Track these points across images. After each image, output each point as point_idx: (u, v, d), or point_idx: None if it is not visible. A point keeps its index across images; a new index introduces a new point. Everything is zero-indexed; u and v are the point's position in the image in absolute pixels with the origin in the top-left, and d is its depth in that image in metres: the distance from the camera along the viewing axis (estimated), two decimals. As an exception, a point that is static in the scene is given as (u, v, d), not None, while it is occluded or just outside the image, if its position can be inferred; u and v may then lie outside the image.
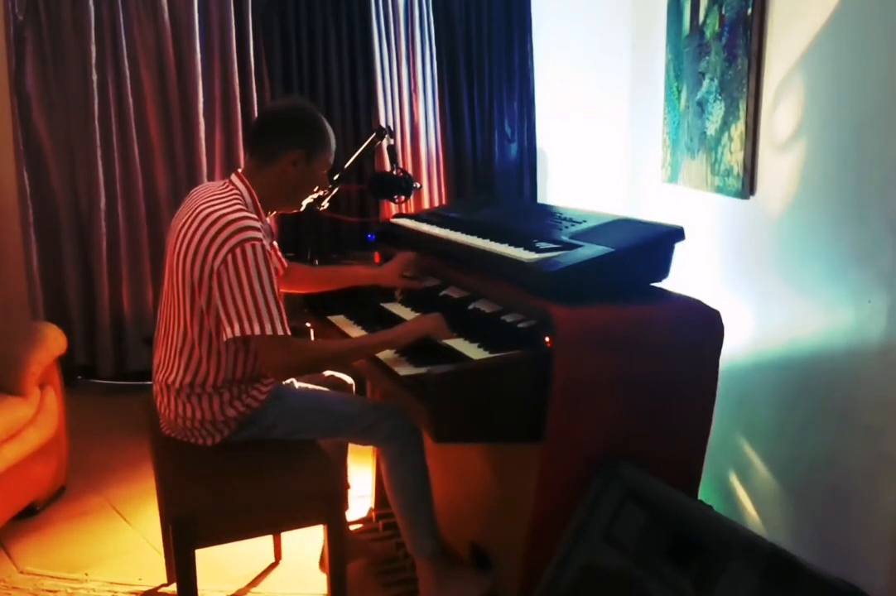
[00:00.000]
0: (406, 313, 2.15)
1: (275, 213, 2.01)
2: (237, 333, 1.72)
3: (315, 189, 1.99)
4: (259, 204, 1.88)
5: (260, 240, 1.74)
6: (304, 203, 2.02)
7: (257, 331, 1.71)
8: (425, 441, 1.96)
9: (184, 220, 1.82)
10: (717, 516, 1.50)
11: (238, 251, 1.71)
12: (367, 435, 1.97)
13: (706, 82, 2.61)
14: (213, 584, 2.20)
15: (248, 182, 1.88)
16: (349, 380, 2.28)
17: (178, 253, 1.80)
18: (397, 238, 2.44)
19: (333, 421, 1.99)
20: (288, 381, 2.01)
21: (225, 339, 1.75)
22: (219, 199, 1.80)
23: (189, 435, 1.91)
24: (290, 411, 1.95)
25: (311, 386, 2.07)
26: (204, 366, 1.84)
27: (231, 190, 1.86)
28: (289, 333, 1.75)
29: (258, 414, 1.91)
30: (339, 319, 2.28)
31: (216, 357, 1.84)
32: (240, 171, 1.92)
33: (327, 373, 2.24)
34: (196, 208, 1.81)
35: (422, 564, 1.98)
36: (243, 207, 1.79)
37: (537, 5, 4.10)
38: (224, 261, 1.71)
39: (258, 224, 1.78)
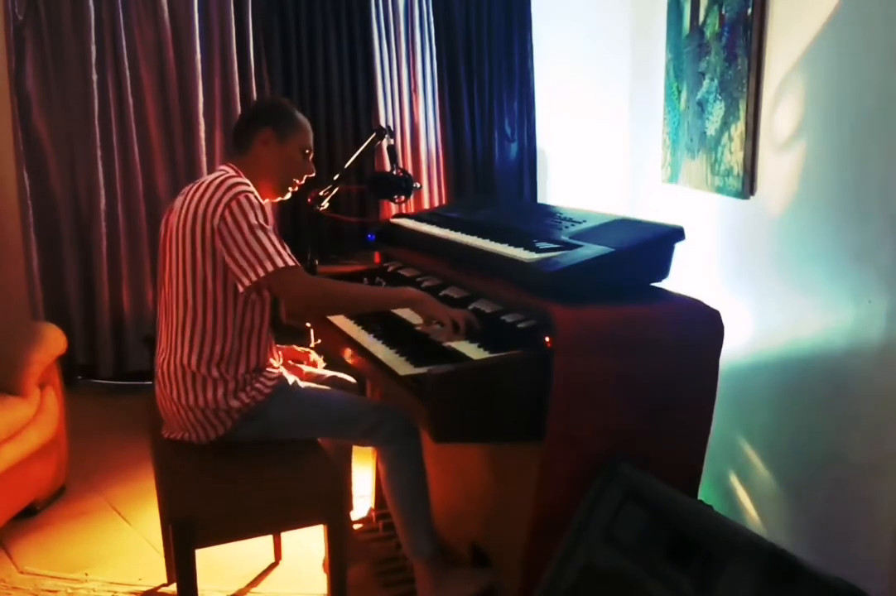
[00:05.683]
0: (406, 313, 2.14)
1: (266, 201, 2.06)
2: (252, 278, 1.78)
3: (297, 173, 2.06)
4: None
5: (253, 192, 1.83)
6: (289, 189, 2.08)
7: (269, 268, 1.77)
8: (425, 441, 1.96)
9: (183, 198, 1.91)
10: (717, 516, 1.50)
11: (234, 204, 1.80)
12: (366, 436, 1.97)
13: (706, 82, 2.61)
14: (213, 584, 2.20)
15: (238, 170, 1.97)
16: (352, 380, 2.27)
17: (179, 224, 1.87)
18: (397, 238, 2.44)
19: (334, 421, 1.99)
20: (292, 380, 2.00)
21: (242, 290, 1.81)
22: (213, 175, 1.91)
23: (190, 429, 1.91)
24: (293, 408, 1.95)
25: (314, 385, 2.07)
26: (209, 339, 1.87)
27: (227, 172, 1.95)
28: (298, 264, 1.81)
29: (262, 408, 1.91)
30: (339, 319, 2.27)
31: (222, 328, 1.87)
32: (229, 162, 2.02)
33: (330, 373, 2.24)
34: (192, 188, 1.91)
35: (419, 566, 1.98)
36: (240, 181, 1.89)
37: (537, 5, 4.10)
38: (222, 217, 1.80)
39: (252, 188, 1.86)
